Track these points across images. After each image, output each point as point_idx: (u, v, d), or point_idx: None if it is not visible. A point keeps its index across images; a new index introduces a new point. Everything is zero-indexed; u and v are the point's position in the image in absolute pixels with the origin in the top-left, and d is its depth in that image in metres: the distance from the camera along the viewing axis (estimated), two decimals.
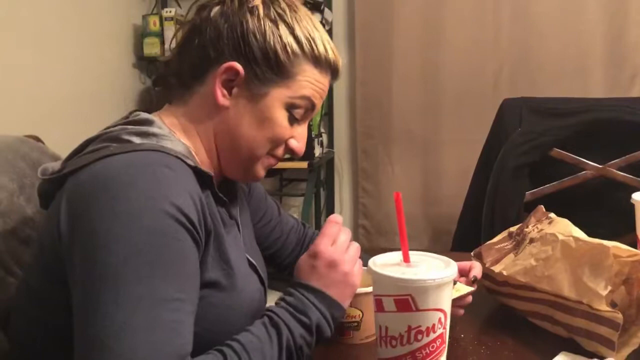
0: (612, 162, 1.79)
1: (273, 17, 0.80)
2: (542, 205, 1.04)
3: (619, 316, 0.76)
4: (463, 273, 0.95)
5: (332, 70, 0.85)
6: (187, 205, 0.70)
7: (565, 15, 2.59)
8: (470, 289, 0.89)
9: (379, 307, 0.68)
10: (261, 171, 0.86)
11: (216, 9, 0.81)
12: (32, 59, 2.02)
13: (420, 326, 0.65)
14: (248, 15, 0.80)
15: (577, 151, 1.80)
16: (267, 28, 0.80)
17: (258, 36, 0.79)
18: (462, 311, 0.91)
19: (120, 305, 0.62)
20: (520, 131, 1.82)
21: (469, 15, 2.68)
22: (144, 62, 2.73)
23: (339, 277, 0.77)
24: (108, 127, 0.79)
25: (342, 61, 0.87)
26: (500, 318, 0.97)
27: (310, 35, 0.82)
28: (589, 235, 0.87)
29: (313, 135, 2.56)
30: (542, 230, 0.94)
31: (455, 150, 2.71)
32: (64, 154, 0.92)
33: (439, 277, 0.65)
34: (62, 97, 2.17)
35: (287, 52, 0.80)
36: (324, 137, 2.88)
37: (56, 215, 0.71)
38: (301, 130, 0.86)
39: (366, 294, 0.83)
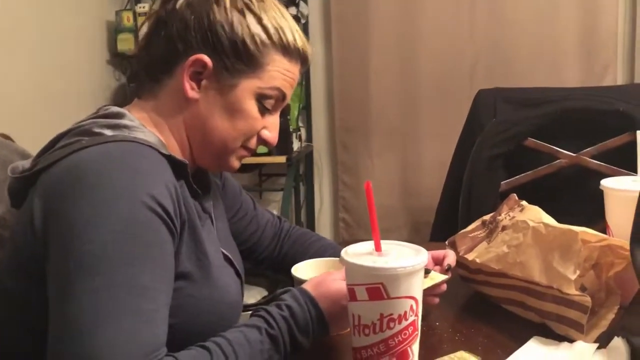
0: (585, 150, 1.82)
1: (240, 7, 0.80)
2: (514, 194, 1.05)
3: (587, 299, 0.78)
4: (437, 262, 0.96)
5: (301, 58, 0.85)
6: (163, 195, 0.70)
7: (539, 7, 2.62)
8: (444, 277, 0.90)
9: (352, 296, 0.68)
10: (235, 162, 0.86)
11: (181, 0, 0.81)
12: (2, 56, 1.99)
13: (392, 314, 0.66)
14: (214, 6, 0.79)
15: (550, 140, 1.82)
16: (234, 18, 0.79)
17: (225, 27, 0.79)
18: (437, 299, 0.92)
19: (96, 293, 0.62)
20: (494, 122, 1.84)
21: (444, 8, 2.69)
22: (118, 59, 2.70)
23: (342, 326, 0.76)
24: (78, 122, 0.79)
25: (311, 49, 0.86)
26: (475, 305, 0.99)
27: (278, 24, 0.81)
28: (564, 222, 0.89)
29: (291, 130, 2.55)
30: (513, 217, 0.96)
31: (433, 142, 2.73)
32: (35, 152, 0.91)
33: (409, 265, 0.65)
34: (33, 95, 2.13)
35: (255, 42, 0.80)
36: (303, 132, 2.88)
37: (29, 213, 0.71)
38: (273, 120, 0.86)
39: None
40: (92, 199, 0.66)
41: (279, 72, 0.82)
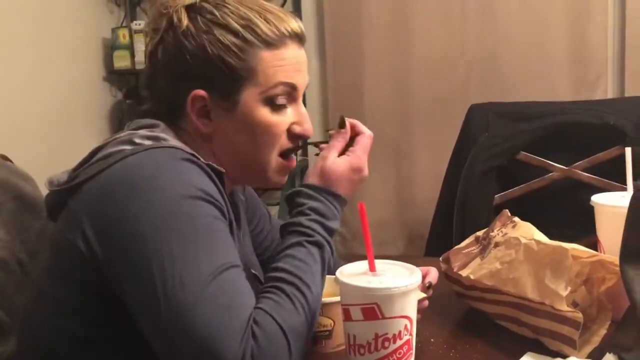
0: (577, 163, 1.84)
1: (205, 27, 0.79)
2: (506, 210, 1.07)
3: (579, 316, 0.79)
4: None
5: (291, 37, 0.81)
6: (213, 190, 0.73)
7: (529, 22, 2.65)
8: (424, 294, 0.91)
9: (347, 316, 0.69)
10: (277, 177, 0.85)
11: (160, 48, 0.82)
12: None
13: (386, 333, 0.67)
14: (184, 41, 0.79)
15: (543, 154, 1.85)
16: (204, 41, 0.78)
17: (200, 54, 0.78)
18: (419, 315, 0.92)
19: (185, 287, 0.65)
20: (487, 136, 1.87)
21: (436, 22, 2.72)
22: (114, 76, 2.72)
23: (359, 185, 0.83)
24: (115, 135, 0.80)
25: (296, 22, 0.82)
26: (469, 321, 0.99)
27: (246, 21, 0.79)
28: (556, 235, 0.90)
29: None
30: (506, 234, 0.97)
31: (427, 155, 2.75)
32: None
33: (403, 285, 0.67)
34: (30, 114, 2.14)
35: (232, 52, 0.78)
36: None
37: (78, 227, 0.71)
38: (296, 112, 0.83)
39: (337, 303, 0.84)
40: (151, 203, 0.68)
41: (273, 67, 0.79)
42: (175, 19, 0.80)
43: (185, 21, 0.79)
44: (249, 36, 0.78)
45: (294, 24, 0.81)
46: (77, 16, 2.50)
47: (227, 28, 0.78)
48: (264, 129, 0.81)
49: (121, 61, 2.61)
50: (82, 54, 2.55)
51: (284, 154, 0.84)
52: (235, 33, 0.78)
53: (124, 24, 2.74)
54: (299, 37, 0.82)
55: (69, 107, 2.41)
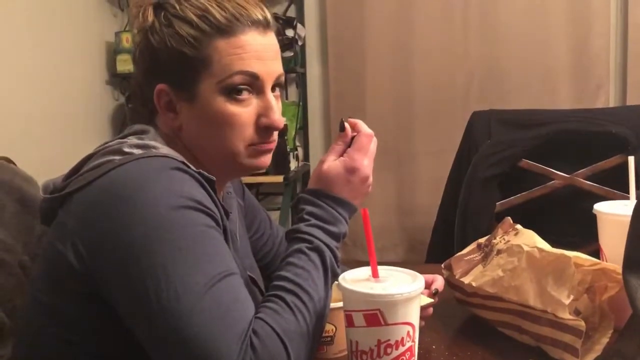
0: (579, 171, 1.84)
1: (166, 21, 0.79)
2: (509, 217, 1.07)
3: (581, 324, 0.79)
4: (425, 285, 0.96)
5: (250, 22, 0.78)
6: (204, 199, 0.72)
7: (531, 29, 2.66)
8: (430, 300, 0.91)
9: (349, 322, 0.69)
10: (254, 162, 0.82)
11: (137, 52, 0.83)
12: (2, 78, 2.00)
13: (389, 340, 0.67)
14: (150, 37, 0.80)
15: (544, 161, 1.85)
16: (165, 35, 0.78)
17: (162, 48, 0.79)
18: (422, 322, 0.92)
19: (180, 299, 0.65)
20: (489, 143, 1.87)
21: (438, 29, 2.73)
22: (117, 79, 2.72)
23: (365, 189, 0.82)
24: (105, 143, 0.80)
25: (256, 7, 0.79)
26: (471, 328, 0.99)
27: (202, 11, 0.77)
28: (558, 243, 0.90)
29: (288, 149, 2.57)
30: (508, 241, 0.97)
31: (428, 161, 2.75)
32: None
33: (406, 292, 0.67)
34: (34, 117, 2.15)
35: (189, 43, 0.77)
36: (300, 151, 2.89)
37: (68, 239, 0.71)
38: (264, 104, 0.80)
39: (339, 309, 0.84)
40: (143, 214, 0.68)
41: (229, 55, 0.77)
42: (141, 17, 0.81)
43: (150, 18, 0.80)
44: (203, 25, 0.76)
45: (254, 10, 0.78)
46: (80, 20, 2.50)
47: (184, 20, 0.78)
48: (224, 120, 0.78)
49: (124, 65, 2.62)
50: (86, 58, 2.56)
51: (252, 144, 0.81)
52: (190, 23, 0.77)
53: (127, 28, 2.75)
54: (261, 24, 0.79)
55: (72, 110, 2.41)
